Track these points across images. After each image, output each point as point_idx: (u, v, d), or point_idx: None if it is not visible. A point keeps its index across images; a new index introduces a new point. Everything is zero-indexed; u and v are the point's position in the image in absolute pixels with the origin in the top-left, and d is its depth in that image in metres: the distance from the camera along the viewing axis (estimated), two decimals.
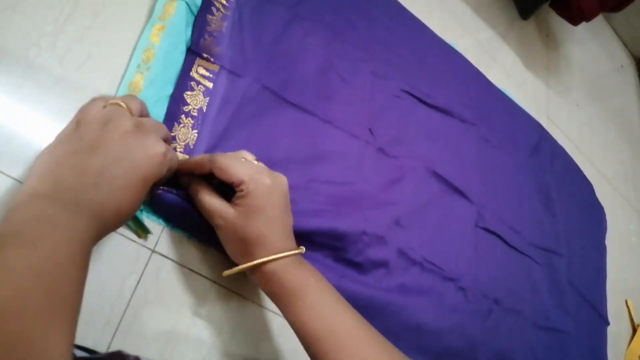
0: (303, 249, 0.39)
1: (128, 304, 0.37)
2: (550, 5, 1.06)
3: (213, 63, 0.46)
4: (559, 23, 1.16)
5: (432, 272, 0.56)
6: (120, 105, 0.33)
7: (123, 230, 0.38)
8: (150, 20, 0.44)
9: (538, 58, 1.09)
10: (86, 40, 0.42)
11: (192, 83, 0.44)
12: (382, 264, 0.51)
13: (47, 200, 0.28)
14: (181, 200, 0.38)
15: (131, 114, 0.33)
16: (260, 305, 0.45)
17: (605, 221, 0.97)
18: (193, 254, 0.42)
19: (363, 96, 0.59)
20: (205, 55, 0.46)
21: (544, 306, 0.70)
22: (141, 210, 0.39)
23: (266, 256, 0.36)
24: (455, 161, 0.67)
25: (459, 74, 0.77)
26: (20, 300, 0.23)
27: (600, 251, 0.92)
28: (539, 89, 1.03)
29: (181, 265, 0.41)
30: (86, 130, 0.31)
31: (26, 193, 0.28)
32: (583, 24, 1.07)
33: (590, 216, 0.93)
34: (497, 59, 0.95)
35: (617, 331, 0.91)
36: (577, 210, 0.89)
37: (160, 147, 0.32)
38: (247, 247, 0.37)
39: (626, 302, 0.97)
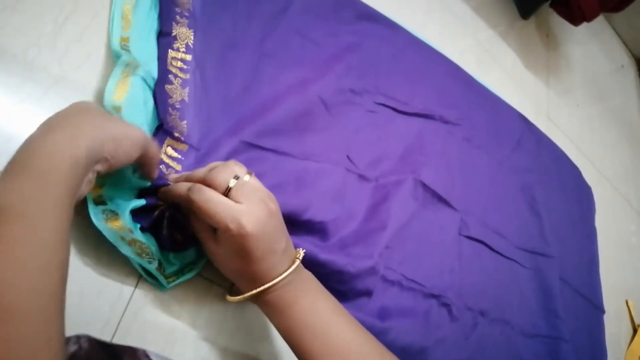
0: (299, 259, 0.38)
1: (127, 305, 0.37)
2: (551, 5, 1.06)
3: (183, 142, 0.42)
4: (559, 23, 1.16)
5: (413, 290, 0.54)
6: None
7: None
8: (105, 102, 0.38)
9: (538, 58, 1.09)
10: (86, 40, 0.42)
11: (161, 166, 0.40)
12: (366, 293, 0.49)
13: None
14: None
15: None
16: None
17: (594, 202, 0.95)
18: None
19: (338, 120, 0.56)
20: (176, 134, 0.41)
21: (531, 313, 0.68)
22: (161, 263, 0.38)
23: (254, 288, 0.36)
24: (438, 166, 0.64)
25: (438, 72, 0.74)
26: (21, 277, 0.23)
27: (591, 238, 0.90)
28: (539, 89, 1.03)
29: None
30: None
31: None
32: (583, 24, 1.07)
33: (579, 202, 0.91)
34: (498, 59, 0.95)
35: (617, 331, 0.91)
36: (565, 199, 0.86)
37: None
38: (236, 278, 0.37)
39: (627, 302, 0.97)
